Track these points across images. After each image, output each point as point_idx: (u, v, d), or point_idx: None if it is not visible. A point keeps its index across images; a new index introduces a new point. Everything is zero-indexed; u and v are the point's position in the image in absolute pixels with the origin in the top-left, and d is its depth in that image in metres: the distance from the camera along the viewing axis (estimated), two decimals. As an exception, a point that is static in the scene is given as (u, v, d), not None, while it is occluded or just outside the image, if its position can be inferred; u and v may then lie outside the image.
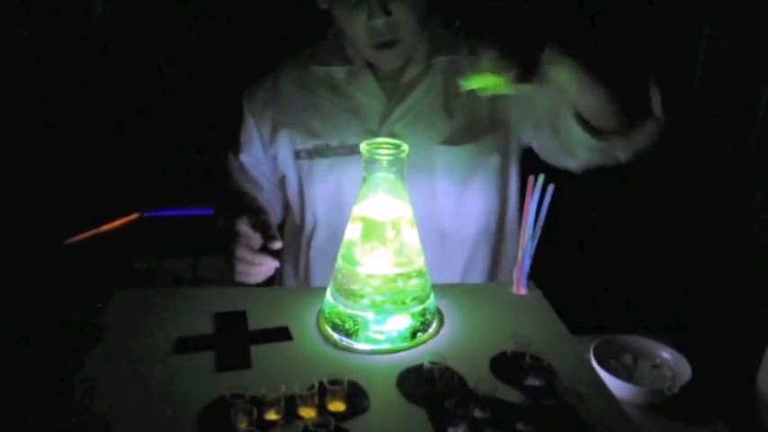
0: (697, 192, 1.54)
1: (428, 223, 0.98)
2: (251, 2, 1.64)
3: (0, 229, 1.38)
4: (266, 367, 0.71)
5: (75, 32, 1.65)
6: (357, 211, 0.77)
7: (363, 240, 0.76)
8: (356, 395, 0.65)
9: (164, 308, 0.83)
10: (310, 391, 0.63)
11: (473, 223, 1.10)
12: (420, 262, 0.77)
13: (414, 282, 0.76)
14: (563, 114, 0.96)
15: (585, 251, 1.66)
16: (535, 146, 1.11)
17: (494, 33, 0.76)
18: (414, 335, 0.76)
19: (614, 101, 0.85)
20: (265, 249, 0.94)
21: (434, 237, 1.05)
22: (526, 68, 0.76)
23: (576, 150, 0.98)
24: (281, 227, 1.23)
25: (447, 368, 0.68)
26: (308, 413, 0.62)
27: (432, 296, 0.79)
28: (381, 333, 0.75)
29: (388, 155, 0.74)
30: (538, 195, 0.83)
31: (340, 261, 0.78)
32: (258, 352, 0.74)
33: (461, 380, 0.68)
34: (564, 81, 0.81)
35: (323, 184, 1.10)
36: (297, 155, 1.11)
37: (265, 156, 1.15)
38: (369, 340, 0.75)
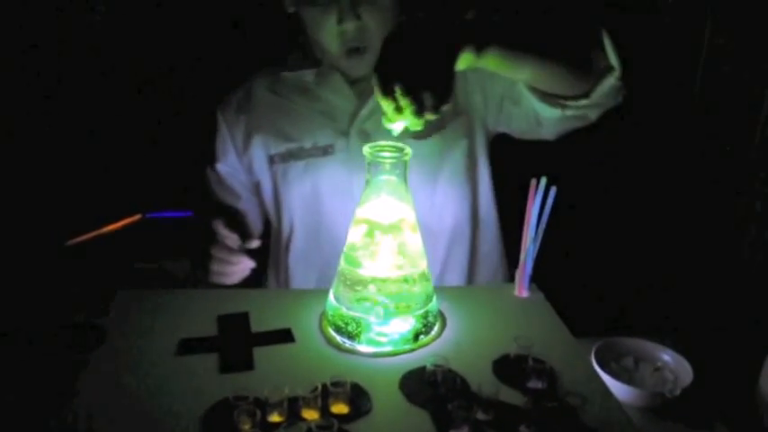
0: (699, 193, 1.54)
1: None
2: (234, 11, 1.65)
3: (1, 230, 1.38)
4: (269, 369, 0.71)
5: (76, 33, 1.66)
6: (360, 213, 0.77)
7: (366, 243, 0.76)
8: (359, 397, 0.65)
9: (166, 309, 0.83)
10: (313, 393, 0.63)
11: (447, 215, 1.10)
12: (423, 264, 0.78)
13: (416, 284, 0.76)
14: (520, 89, 0.96)
15: (587, 253, 1.66)
16: (505, 128, 1.10)
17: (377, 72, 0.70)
18: (416, 337, 0.76)
19: (560, 66, 0.84)
20: (244, 249, 0.95)
21: None
22: (423, 103, 0.68)
23: (543, 121, 0.98)
24: (267, 236, 1.23)
25: (450, 370, 0.69)
26: (310, 415, 0.62)
27: (434, 298, 0.80)
28: (384, 335, 0.75)
29: (390, 158, 0.74)
30: (540, 198, 0.83)
31: (343, 263, 0.78)
32: (261, 354, 0.74)
33: (464, 382, 0.68)
34: (495, 68, 0.79)
35: (298, 187, 1.10)
36: (271, 160, 1.11)
37: (240, 164, 1.15)
38: (371, 342, 0.75)
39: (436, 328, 0.79)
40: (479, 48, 0.72)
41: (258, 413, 0.60)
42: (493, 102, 1.07)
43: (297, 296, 0.89)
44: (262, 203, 1.19)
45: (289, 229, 1.14)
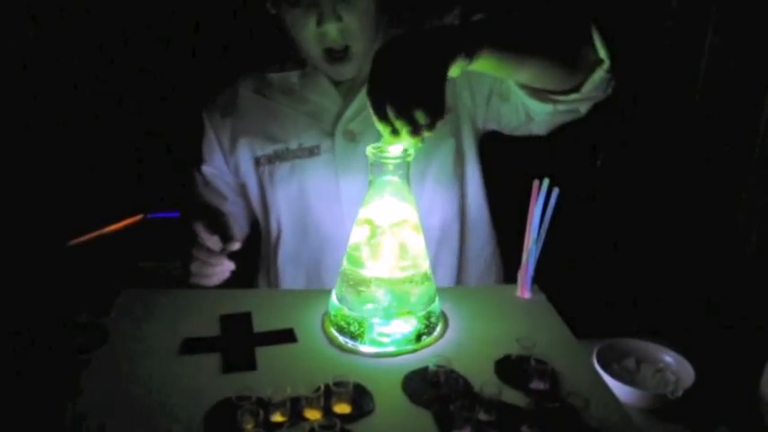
0: (700, 194, 1.54)
1: None
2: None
3: (4, 230, 1.39)
4: (271, 369, 0.71)
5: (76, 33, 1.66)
6: (363, 213, 0.77)
7: (369, 243, 0.76)
8: (361, 397, 0.65)
9: (169, 309, 0.83)
10: (316, 393, 0.63)
11: (435, 214, 1.10)
12: (425, 265, 0.78)
13: (419, 285, 0.76)
14: (509, 85, 0.96)
15: (589, 255, 1.66)
16: (495, 125, 1.10)
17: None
18: (419, 338, 0.76)
19: (550, 62, 0.83)
20: (225, 251, 0.95)
21: None
22: (417, 123, 0.67)
23: (534, 117, 0.99)
24: (257, 238, 1.23)
25: (452, 371, 0.69)
26: (313, 415, 0.62)
27: (437, 299, 0.80)
28: (386, 336, 0.75)
29: (393, 158, 0.74)
30: (542, 199, 0.83)
31: (345, 263, 0.78)
32: (263, 354, 0.74)
33: (466, 383, 0.68)
34: (487, 70, 0.79)
35: (285, 188, 1.10)
36: (257, 162, 1.11)
37: (227, 166, 1.15)
38: (374, 343, 0.75)
39: (438, 329, 0.79)
40: (470, 53, 0.71)
41: (261, 413, 0.60)
42: (481, 98, 1.07)
43: (299, 296, 0.89)
44: (248, 205, 1.19)
45: (276, 231, 1.15)
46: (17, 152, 1.59)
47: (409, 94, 0.66)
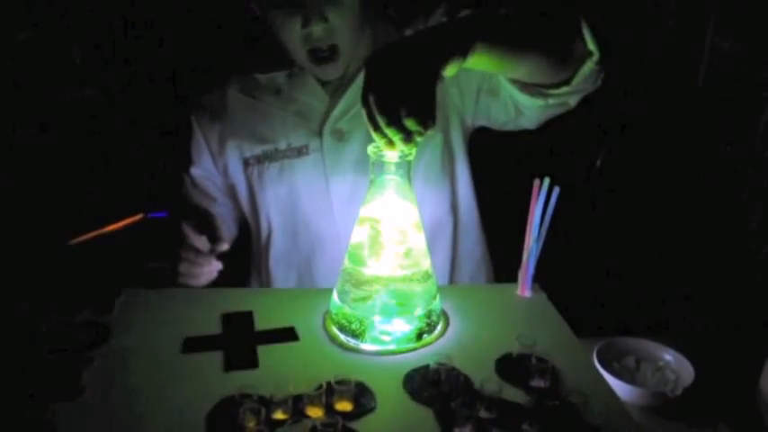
0: (700, 194, 1.54)
1: None
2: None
3: (5, 230, 1.39)
4: (273, 367, 0.72)
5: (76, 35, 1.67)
6: (364, 212, 0.77)
7: (370, 242, 0.76)
8: (363, 395, 0.66)
9: (170, 308, 0.83)
10: (318, 390, 0.63)
11: (425, 212, 1.10)
12: (426, 264, 0.78)
13: (420, 283, 0.77)
14: (499, 80, 0.96)
15: (589, 254, 1.66)
16: (484, 121, 1.11)
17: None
18: (419, 336, 0.76)
19: (542, 56, 0.83)
20: (213, 252, 0.95)
21: None
22: (409, 131, 0.67)
23: (524, 111, 0.99)
24: (247, 239, 1.23)
25: (453, 369, 0.69)
26: (315, 413, 0.63)
27: (438, 298, 0.80)
28: (387, 334, 0.75)
29: (394, 157, 0.74)
30: (543, 198, 0.83)
31: (347, 262, 0.78)
32: (265, 352, 0.74)
33: (467, 380, 0.69)
34: (481, 67, 0.79)
35: (274, 189, 1.10)
36: (246, 163, 1.11)
37: (216, 167, 1.15)
38: (375, 341, 0.75)
39: (439, 327, 0.79)
40: (464, 52, 0.71)
41: (263, 411, 0.61)
42: (469, 95, 1.08)
43: (300, 295, 0.89)
44: (237, 206, 1.19)
45: (267, 231, 1.15)
46: (17, 152, 1.60)
47: (399, 103, 0.66)
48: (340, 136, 1.07)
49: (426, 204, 1.09)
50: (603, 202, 1.71)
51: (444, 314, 0.82)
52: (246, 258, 1.25)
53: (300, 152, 1.08)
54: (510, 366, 0.72)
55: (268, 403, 0.62)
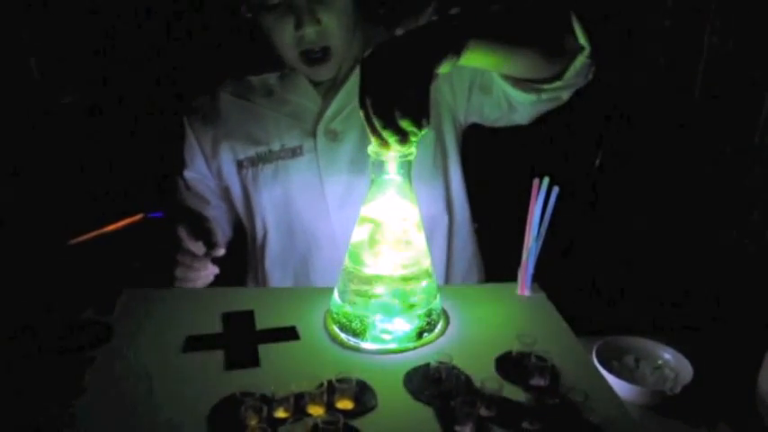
0: (699, 194, 1.55)
1: None
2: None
3: (6, 229, 1.39)
4: (274, 366, 0.72)
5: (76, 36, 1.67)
6: (364, 212, 0.78)
7: (370, 241, 0.77)
8: (364, 394, 0.66)
9: (171, 307, 0.84)
10: (319, 389, 0.64)
11: (421, 210, 1.10)
12: (426, 263, 0.78)
13: (420, 282, 0.77)
14: (491, 77, 0.96)
15: (588, 254, 1.67)
16: (477, 117, 1.11)
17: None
18: (420, 335, 0.77)
19: (535, 52, 0.84)
20: (209, 256, 0.95)
21: None
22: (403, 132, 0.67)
23: (516, 107, 0.99)
24: (243, 240, 1.23)
25: (453, 367, 0.69)
26: (316, 411, 0.63)
27: (438, 297, 0.80)
28: (388, 333, 0.75)
29: (394, 157, 0.74)
30: (542, 198, 0.84)
31: (347, 261, 0.79)
32: (266, 351, 0.74)
33: (467, 379, 0.69)
34: (475, 64, 0.79)
35: (269, 191, 1.11)
36: (239, 165, 1.11)
37: (209, 170, 1.15)
38: (376, 340, 0.75)
39: (440, 326, 0.80)
40: (458, 49, 0.71)
41: (265, 409, 0.61)
42: (461, 92, 1.08)
43: (301, 294, 0.90)
44: (232, 209, 1.19)
45: (262, 232, 1.15)
46: (17, 153, 1.60)
47: (393, 104, 0.66)
48: (334, 136, 1.07)
49: (421, 202, 1.09)
50: (603, 202, 1.71)
51: (444, 313, 0.82)
52: (242, 260, 1.25)
53: (294, 153, 1.08)
54: (510, 365, 0.72)
55: (269, 401, 0.63)
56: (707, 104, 1.52)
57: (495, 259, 1.27)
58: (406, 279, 0.76)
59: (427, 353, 0.74)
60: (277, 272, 1.17)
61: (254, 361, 0.73)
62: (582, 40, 0.86)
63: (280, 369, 0.71)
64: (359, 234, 0.78)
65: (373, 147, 0.73)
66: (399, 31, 1.08)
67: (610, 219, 1.70)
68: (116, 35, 1.67)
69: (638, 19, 1.65)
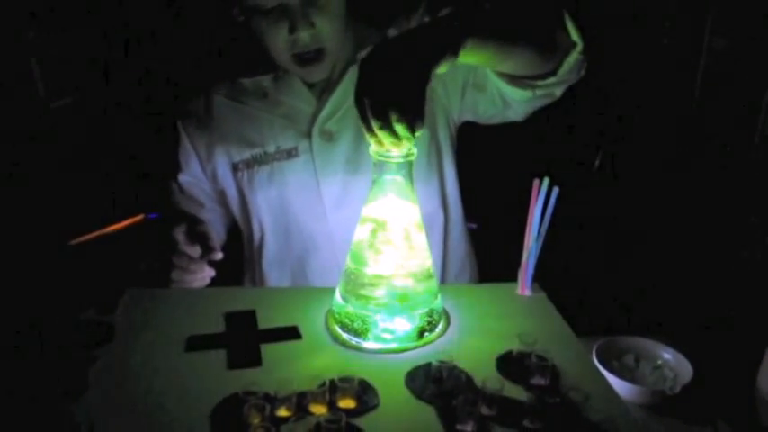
0: (698, 193, 1.55)
1: None
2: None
3: (7, 229, 1.39)
4: (276, 365, 0.72)
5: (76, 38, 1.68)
6: (366, 212, 0.78)
7: (372, 241, 0.77)
8: (366, 392, 0.66)
9: (174, 307, 0.84)
10: (321, 388, 0.64)
11: None
12: (428, 263, 0.79)
13: (421, 282, 0.77)
14: (485, 74, 0.97)
15: (588, 254, 1.67)
16: (471, 116, 1.11)
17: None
18: (421, 334, 0.77)
19: (530, 48, 0.84)
20: (206, 258, 0.95)
21: None
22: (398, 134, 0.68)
23: (511, 104, 1.00)
24: (239, 242, 1.24)
25: (454, 367, 0.70)
26: (318, 410, 0.63)
27: (439, 297, 0.81)
28: (389, 332, 0.76)
29: (396, 158, 0.75)
30: (543, 198, 0.84)
31: (349, 261, 0.79)
32: (268, 351, 0.75)
33: (469, 378, 0.69)
34: (473, 62, 0.80)
35: (265, 192, 1.11)
36: (234, 167, 1.11)
37: (204, 173, 1.15)
38: (377, 339, 0.76)
39: (441, 326, 0.80)
40: (456, 49, 0.71)
41: (267, 407, 0.61)
42: (455, 91, 1.08)
43: (303, 294, 0.90)
44: (227, 212, 1.19)
45: (259, 234, 1.15)
46: (18, 154, 1.60)
47: (389, 105, 0.66)
48: (329, 137, 1.08)
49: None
50: (602, 202, 1.72)
51: (445, 313, 0.83)
52: (239, 261, 1.25)
53: (290, 154, 1.09)
54: (511, 364, 0.72)
55: (272, 400, 0.63)
56: (707, 105, 1.53)
57: (489, 258, 1.28)
58: (407, 279, 0.76)
59: (428, 352, 0.74)
60: (274, 273, 1.17)
61: (256, 360, 0.73)
62: (574, 36, 0.87)
63: (282, 368, 0.72)
64: (360, 234, 0.78)
65: (375, 148, 0.74)
66: (392, 31, 1.08)
67: (610, 219, 1.71)
68: (112, 38, 1.68)
69: (638, 20, 1.65)
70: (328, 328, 0.79)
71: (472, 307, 0.85)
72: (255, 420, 0.61)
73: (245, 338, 0.77)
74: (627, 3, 1.66)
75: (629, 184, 1.71)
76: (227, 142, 1.11)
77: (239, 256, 1.25)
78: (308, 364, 0.73)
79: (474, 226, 1.45)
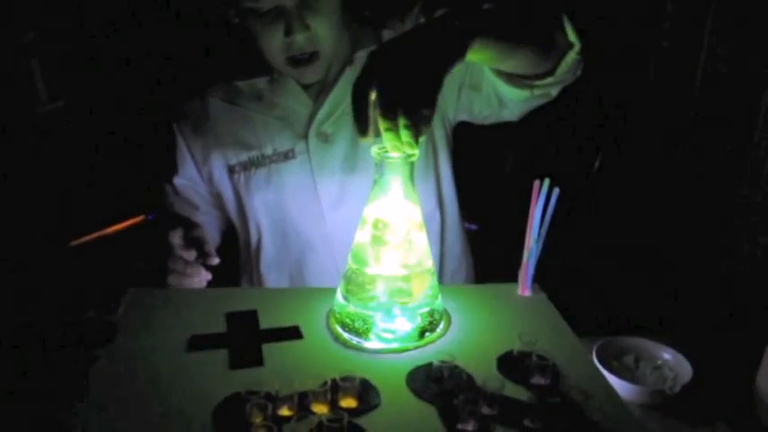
0: (698, 193, 1.55)
1: None
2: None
3: (9, 230, 1.40)
4: (278, 365, 0.72)
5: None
6: (367, 212, 0.78)
7: (373, 241, 0.77)
8: (367, 392, 0.67)
9: (175, 307, 0.84)
10: (323, 387, 0.64)
11: None
12: (428, 263, 0.79)
13: (422, 282, 0.78)
14: (481, 75, 0.97)
15: (588, 254, 1.67)
16: (466, 116, 1.12)
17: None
18: (422, 334, 0.77)
19: (531, 48, 0.85)
20: (201, 262, 0.96)
21: None
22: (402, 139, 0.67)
23: (507, 103, 1.00)
24: (235, 244, 1.24)
25: (455, 366, 0.70)
26: (320, 409, 0.64)
27: (440, 297, 0.81)
28: (390, 332, 0.76)
29: (397, 158, 0.75)
30: (543, 199, 0.84)
31: (350, 261, 0.79)
32: (269, 350, 0.75)
33: (470, 378, 0.70)
34: (479, 62, 0.80)
35: (262, 194, 1.11)
36: (231, 170, 1.11)
37: (200, 176, 1.15)
38: (378, 339, 0.76)
39: (441, 326, 0.80)
40: (464, 52, 0.72)
41: (269, 407, 0.62)
42: (450, 92, 1.08)
43: (304, 294, 0.90)
44: (221, 214, 1.19)
45: (256, 236, 1.15)
46: (18, 156, 1.61)
47: (399, 104, 0.66)
48: (325, 138, 1.08)
49: None
50: (602, 203, 1.72)
51: (446, 313, 0.83)
52: (234, 263, 1.25)
53: (287, 156, 1.09)
54: (511, 364, 0.73)
55: (274, 400, 0.63)
56: (706, 106, 1.53)
57: (489, 258, 1.28)
58: (408, 279, 0.77)
59: (429, 352, 0.75)
60: (272, 274, 1.17)
61: (257, 360, 0.73)
62: (572, 36, 0.88)
63: (283, 368, 0.72)
64: (362, 234, 0.79)
65: (376, 149, 0.74)
66: (386, 32, 1.08)
67: (609, 219, 1.71)
68: (106, 40, 1.68)
69: (638, 22, 1.66)
70: (329, 328, 0.79)
71: (473, 307, 0.85)
72: (258, 419, 0.61)
73: (247, 338, 0.77)
74: (627, 4, 1.66)
75: (628, 185, 1.71)
76: (223, 145, 1.11)
77: (235, 258, 1.25)
78: (309, 363, 0.73)
79: (474, 227, 1.45)
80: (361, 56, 1.08)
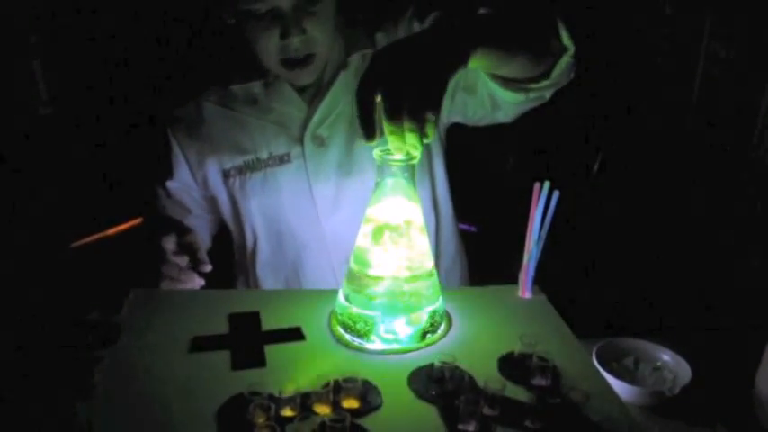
0: (698, 194, 1.56)
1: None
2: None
3: (10, 231, 1.40)
4: (280, 366, 0.73)
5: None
6: (369, 213, 0.79)
7: (374, 243, 0.78)
8: (369, 393, 0.67)
9: (178, 308, 0.85)
10: (325, 388, 0.65)
11: None
12: (430, 264, 0.80)
13: (424, 283, 0.78)
14: (476, 77, 0.98)
15: (588, 256, 1.68)
16: (460, 117, 1.12)
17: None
18: (423, 336, 0.78)
19: (527, 52, 0.85)
20: (193, 267, 0.96)
21: None
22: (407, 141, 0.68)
23: (501, 106, 1.01)
24: (230, 248, 1.24)
25: (456, 367, 0.70)
26: (322, 410, 0.64)
27: (441, 298, 0.81)
28: (392, 333, 0.77)
29: (399, 160, 0.76)
30: (543, 201, 0.85)
31: (352, 263, 0.80)
32: (271, 351, 0.75)
33: (471, 379, 0.70)
34: (477, 67, 0.80)
35: (258, 198, 1.11)
36: (226, 174, 1.11)
37: (194, 179, 1.15)
38: (380, 340, 0.76)
39: (443, 327, 0.81)
40: (465, 59, 0.72)
41: (272, 407, 0.62)
42: (445, 93, 1.09)
43: (306, 296, 0.91)
44: (214, 218, 1.19)
45: (252, 240, 1.15)
46: (19, 158, 1.61)
47: (405, 106, 0.66)
48: (321, 142, 1.08)
49: None
50: (602, 204, 1.72)
51: (447, 315, 0.83)
52: (229, 266, 1.25)
53: (282, 160, 1.09)
54: (512, 365, 0.73)
55: (276, 400, 0.64)
56: (705, 108, 1.54)
57: (489, 259, 1.29)
58: (409, 280, 0.77)
59: (431, 353, 0.75)
60: (269, 278, 1.17)
61: (260, 361, 0.74)
62: (566, 40, 0.89)
63: (285, 369, 0.72)
64: (363, 236, 0.79)
65: (378, 151, 0.75)
66: (379, 36, 1.09)
67: (609, 221, 1.72)
68: (100, 42, 1.68)
69: (638, 24, 1.66)
70: (331, 330, 0.80)
71: (474, 309, 0.86)
72: (261, 420, 0.62)
73: (249, 339, 0.78)
74: (626, 6, 1.67)
75: (628, 187, 1.72)
76: (218, 149, 1.11)
77: (229, 260, 1.25)
78: (311, 364, 0.73)
79: (474, 229, 1.46)
80: (355, 59, 1.09)
